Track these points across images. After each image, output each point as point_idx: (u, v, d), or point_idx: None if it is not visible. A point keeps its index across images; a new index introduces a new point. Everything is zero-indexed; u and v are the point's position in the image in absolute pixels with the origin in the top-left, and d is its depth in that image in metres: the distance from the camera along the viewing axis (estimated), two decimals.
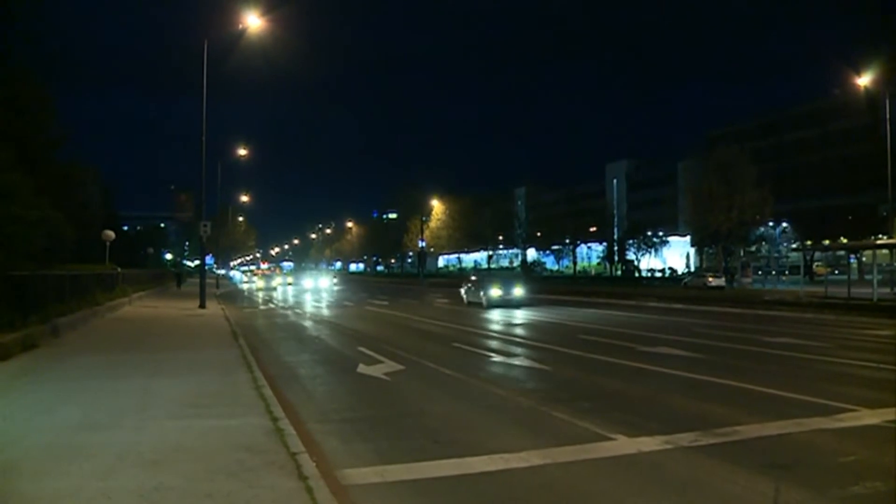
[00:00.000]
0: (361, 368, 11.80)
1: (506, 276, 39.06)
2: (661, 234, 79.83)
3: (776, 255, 64.87)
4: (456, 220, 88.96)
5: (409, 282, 76.32)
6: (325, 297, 40.76)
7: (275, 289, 53.84)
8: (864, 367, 11.57)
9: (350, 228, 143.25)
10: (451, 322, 21.80)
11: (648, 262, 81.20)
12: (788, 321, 21.24)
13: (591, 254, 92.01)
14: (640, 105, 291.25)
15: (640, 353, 13.32)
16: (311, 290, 52.35)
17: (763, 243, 63.43)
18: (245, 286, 66.44)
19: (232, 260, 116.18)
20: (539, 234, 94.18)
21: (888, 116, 32.88)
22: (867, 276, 38.69)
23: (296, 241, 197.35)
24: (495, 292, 28.12)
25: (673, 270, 77.25)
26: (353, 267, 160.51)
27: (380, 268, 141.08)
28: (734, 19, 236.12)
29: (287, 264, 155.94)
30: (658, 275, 76.26)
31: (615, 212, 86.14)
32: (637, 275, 77.11)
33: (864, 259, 49.65)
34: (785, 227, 64.81)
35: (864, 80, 34.96)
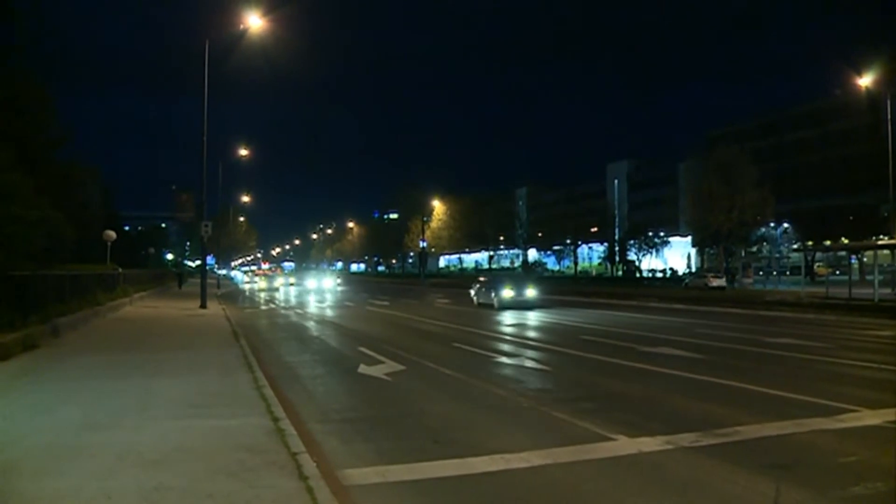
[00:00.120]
0: (362, 369, 11.80)
1: (517, 277, 38.83)
2: (661, 234, 79.83)
3: (777, 255, 64.83)
4: (457, 220, 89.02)
5: (410, 282, 76.30)
6: (327, 298, 40.75)
7: (277, 289, 53.52)
8: (865, 367, 11.56)
9: (351, 229, 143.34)
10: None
11: (649, 263, 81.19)
12: (789, 322, 21.22)
13: (591, 254, 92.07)
14: (641, 105, 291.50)
15: (641, 354, 13.31)
16: (314, 291, 52.09)
17: (764, 244, 63.37)
18: (247, 286, 66.30)
19: (233, 260, 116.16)
20: (540, 234, 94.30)
21: (889, 116, 32.84)
22: (868, 277, 38.67)
23: (297, 242, 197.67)
24: (507, 293, 27.42)
25: (673, 271, 77.21)
26: (353, 267, 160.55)
27: (381, 268, 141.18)
28: (734, 19, 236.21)
29: (288, 264, 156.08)
30: (659, 275, 76.24)
31: (616, 212, 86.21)
32: (638, 275, 77.12)
33: (865, 259, 49.58)
34: (786, 228, 64.77)
35: (864, 80, 34.95)
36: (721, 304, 29.60)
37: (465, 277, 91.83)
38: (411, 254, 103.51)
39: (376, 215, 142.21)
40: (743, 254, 57.57)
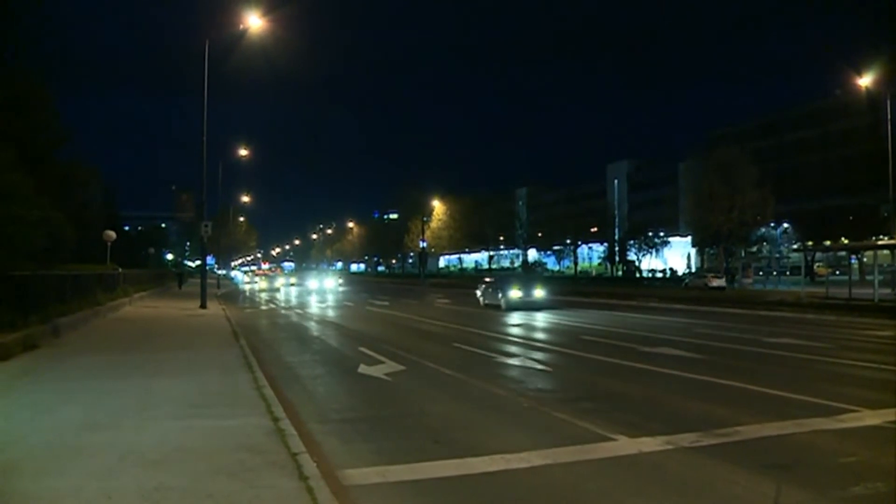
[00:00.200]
0: (362, 369, 11.81)
1: (525, 277, 38.31)
2: (662, 234, 79.80)
3: (777, 255, 64.83)
4: (457, 220, 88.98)
5: (409, 282, 76.29)
6: (328, 298, 40.75)
7: (278, 289, 53.27)
8: (866, 367, 11.57)
9: (351, 229, 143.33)
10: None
11: (649, 263, 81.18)
12: (789, 322, 21.22)
13: (591, 254, 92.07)
14: (641, 105, 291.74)
15: (642, 354, 13.32)
16: (316, 291, 51.74)
17: (764, 244, 63.36)
18: (247, 287, 66.17)
19: (233, 260, 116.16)
20: (540, 234, 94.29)
21: (889, 116, 32.83)
22: (868, 277, 38.66)
23: (297, 242, 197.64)
24: (515, 294, 26.85)
25: (673, 271, 77.22)
26: (353, 267, 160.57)
27: (381, 268, 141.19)
28: (734, 19, 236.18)
29: (288, 264, 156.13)
30: (659, 275, 76.25)
31: (616, 212, 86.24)
32: (638, 275, 77.13)
33: (865, 260, 49.58)
34: (786, 228, 64.76)
35: (864, 81, 34.94)
36: (721, 305, 29.59)
37: (465, 278, 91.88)
38: (411, 254, 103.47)
39: (376, 215, 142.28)
40: (743, 254, 57.58)
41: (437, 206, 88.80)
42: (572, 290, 46.06)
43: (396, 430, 7.45)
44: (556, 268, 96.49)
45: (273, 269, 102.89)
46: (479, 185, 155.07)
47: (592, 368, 12.11)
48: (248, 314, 27.68)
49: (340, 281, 68.40)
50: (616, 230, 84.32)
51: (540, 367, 12.01)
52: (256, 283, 65.19)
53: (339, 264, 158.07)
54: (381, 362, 12.43)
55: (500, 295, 27.38)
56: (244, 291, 55.18)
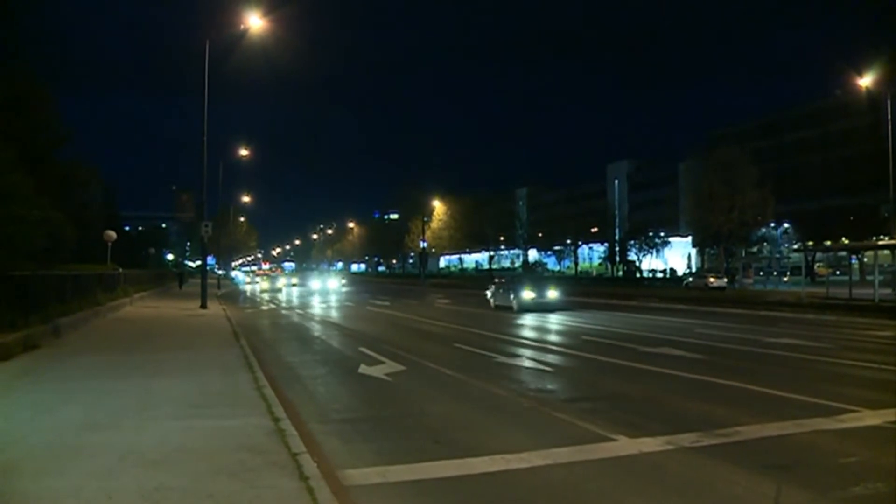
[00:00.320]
0: (363, 369, 11.81)
1: (537, 278, 37.77)
2: (662, 234, 79.82)
3: (777, 255, 64.76)
4: (457, 220, 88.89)
5: (410, 282, 76.31)
6: (328, 299, 40.74)
7: (279, 290, 53.02)
8: (866, 367, 11.56)
9: (351, 229, 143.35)
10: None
11: (649, 263, 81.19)
12: (790, 322, 21.22)
13: (592, 254, 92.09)
14: (641, 105, 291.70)
15: (642, 354, 13.32)
16: (319, 292, 51.01)
17: (764, 244, 63.34)
18: (248, 287, 66.04)
19: (233, 260, 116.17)
20: (540, 234, 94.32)
21: (889, 116, 32.83)
22: (869, 277, 38.62)
23: (297, 242, 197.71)
24: (527, 295, 25.97)
25: (673, 271, 77.24)
26: (354, 267, 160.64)
27: (381, 268, 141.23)
28: (735, 19, 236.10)
29: (288, 265, 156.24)
30: (659, 276, 76.27)
31: (616, 212, 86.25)
32: (638, 276, 77.13)
33: (865, 260, 49.54)
34: (786, 228, 64.76)
35: (864, 81, 34.93)
36: (721, 305, 29.59)
37: (465, 278, 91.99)
38: (412, 254, 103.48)
39: (377, 215, 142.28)
40: (743, 254, 57.58)
41: (438, 206, 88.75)
42: (573, 290, 46.04)
43: (397, 431, 7.46)
44: (557, 268, 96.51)
45: (273, 269, 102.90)
46: (480, 185, 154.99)
47: (593, 368, 12.12)
48: (249, 314, 27.69)
49: (344, 281, 67.67)
50: (616, 230, 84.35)
51: (540, 367, 12.02)
52: (257, 283, 64.96)
53: (340, 264, 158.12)
54: (382, 362, 12.43)
55: (511, 296, 26.63)
56: (245, 292, 55.15)
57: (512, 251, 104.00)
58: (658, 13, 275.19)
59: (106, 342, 14.85)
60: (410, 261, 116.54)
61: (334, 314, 27.42)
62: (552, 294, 26.59)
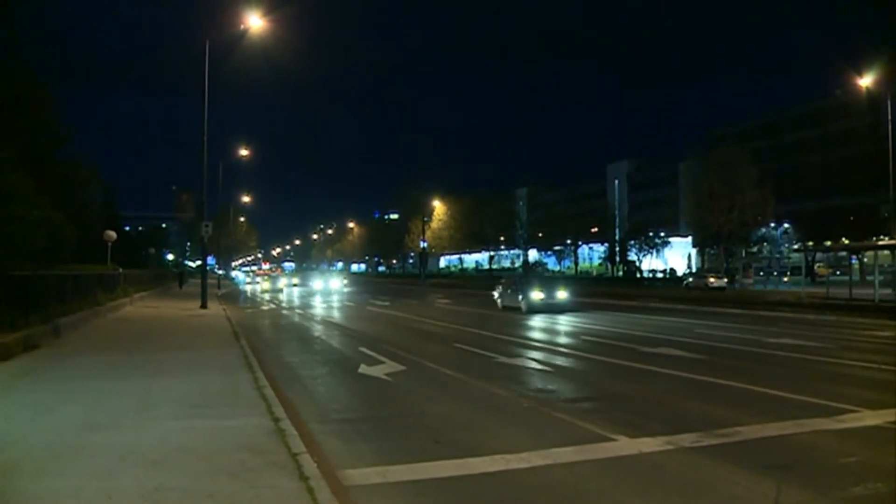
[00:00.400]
0: (363, 369, 11.81)
1: (546, 278, 37.37)
2: (662, 234, 79.82)
3: (777, 255, 64.78)
4: (457, 220, 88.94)
5: (410, 282, 76.28)
6: (329, 299, 40.72)
7: (280, 290, 52.79)
8: (866, 368, 11.56)
9: (351, 229, 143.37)
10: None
11: (650, 263, 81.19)
12: (790, 322, 21.21)
13: (592, 254, 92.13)
14: (641, 105, 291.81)
15: (642, 354, 13.32)
16: (320, 292, 50.38)
17: (764, 244, 63.37)
18: (248, 287, 65.92)
19: (233, 260, 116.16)
20: (540, 234, 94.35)
21: (889, 116, 32.83)
22: (869, 277, 38.61)
23: (297, 242, 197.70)
24: (536, 295, 25.37)
25: (673, 271, 77.23)
26: (354, 267, 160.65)
27: (381, 268, 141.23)
28: (735, 19, 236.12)
29: (288, 265, 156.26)
30: (659, 276, 76.24)
31: (616, 212, 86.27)
32: (638, 276, 77.10)
33: (865, 260, 49.53)
34: (786, 228, 64.77)
35: (864, 80, 34.93)
36: (721, 305, 29.57)
37: (465, 278, 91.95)
38: (412, 254, 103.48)
39: (377, 215, 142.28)
40: (743, 254, 57.56)
41: (438, 206, 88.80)
42: (573, 290, 46.02)
43: (397, 431, 7.45)
44: (557, 268, 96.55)
45: (274, 269, 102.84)
46: (480, 185, 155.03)
47: (593, 368, 12.12)
48: (249, 314, 27.69)
49: (345, 281, 67.14)
50: (616, 230, 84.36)
51: (541, 367, 12.02)
52: (258, 283, 64.76)
53: (340, 264, 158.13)
54: (382, 362, 12.43)
55: (520, 297, 26.10)
56: (245, 292, 55.10)
57: (512, 251, 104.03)
58: (658, 13, 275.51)
59: (106, 342, 14.85)
60: (410, 261, 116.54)
61: (334, 314, 27.42)
62: (562, 295, 26.07)
